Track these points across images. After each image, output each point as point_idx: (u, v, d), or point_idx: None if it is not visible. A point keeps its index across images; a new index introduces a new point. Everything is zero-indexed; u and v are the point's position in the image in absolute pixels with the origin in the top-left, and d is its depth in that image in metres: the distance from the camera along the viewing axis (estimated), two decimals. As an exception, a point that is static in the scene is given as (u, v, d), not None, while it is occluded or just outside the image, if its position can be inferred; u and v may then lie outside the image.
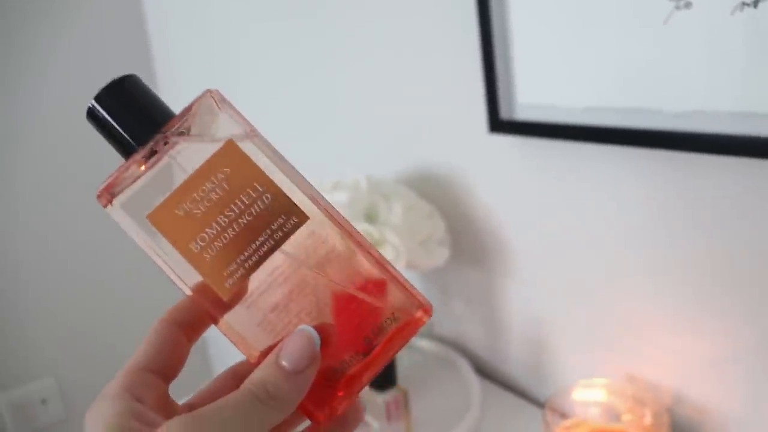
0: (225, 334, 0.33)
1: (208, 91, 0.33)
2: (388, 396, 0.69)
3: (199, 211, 0.31)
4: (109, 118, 0.32)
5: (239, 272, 0.32)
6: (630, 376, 0.71)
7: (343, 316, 0.33)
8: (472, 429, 0.77)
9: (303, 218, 0.32)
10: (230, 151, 0.32)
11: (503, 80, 0.70)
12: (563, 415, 0.67)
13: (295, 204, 0.32)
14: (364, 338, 0.33)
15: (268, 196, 0.32)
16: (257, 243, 0.32)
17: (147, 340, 0.33)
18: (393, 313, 0.33)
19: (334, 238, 0.33)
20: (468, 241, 0.85)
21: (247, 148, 0.32)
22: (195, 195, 0.31)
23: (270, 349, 0.31)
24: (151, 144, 0.32)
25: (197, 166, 0.32)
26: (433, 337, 0.99)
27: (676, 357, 0.67)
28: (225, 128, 0.33)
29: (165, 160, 0.32)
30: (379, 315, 0.33)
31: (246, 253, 0.32)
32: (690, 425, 0.66)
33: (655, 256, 0.65)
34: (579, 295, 0.74)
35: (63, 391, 1.75)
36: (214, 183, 0.32)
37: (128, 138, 0.32)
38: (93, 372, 1.77)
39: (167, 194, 0.32)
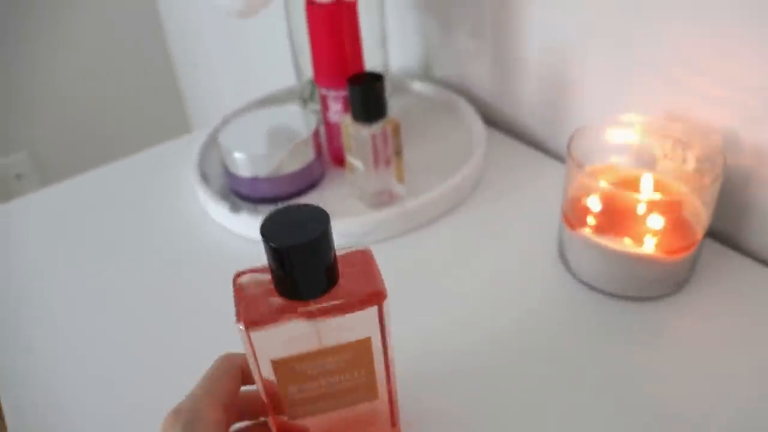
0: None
1: (382, 295, 0.34)
2: (375, 129, 0.56)
3: (311, 372, 0.35)
4: (297, 264, 0.32)
5: (309, 413, 0.38)
6: (672, 113, 0.58)
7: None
8: (474, 177, 0.65)
9: (374, 398, 0.38)
10: (364, 346, 0.35)
11: None
12: (584, 159, 0.55)
13: (377, 388, 0.38)
14: None
15: (365, 379, 0.37)
16: (333, 401, 0.37)
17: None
18: None
19: (382, 413, 0.40)
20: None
21: (375, 344, 0.36)
22: (317, 361, 0.35)
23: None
24: (311, 305, 0.33)
25: (331, 339, 0.34)
26: (430, 79, 0.84)
27: (731, 92, 0.53)
28: (367, 321, 0.34)
29: (313, 325, 0.34)
30: None
31: (321, 404, 0.37)
32: (742, 174, 0.55)
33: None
34: (615, 15, 0.59)
35: (38, 166, 1.71)
36: (337, 360, 0.35)
37: (299, 290, 0.33)
38: (68, 147, 1.72)
39: (296, 348, 0.34)
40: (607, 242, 0.51)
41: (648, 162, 0.56)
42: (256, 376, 0.35)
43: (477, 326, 0.51)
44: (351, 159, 0.60)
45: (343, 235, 0.59)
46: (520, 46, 0.70)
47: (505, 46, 0.71)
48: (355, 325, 0.34)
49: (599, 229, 0.52)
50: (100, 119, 1.76)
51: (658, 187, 0.54)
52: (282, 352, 0.34)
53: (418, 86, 0.81)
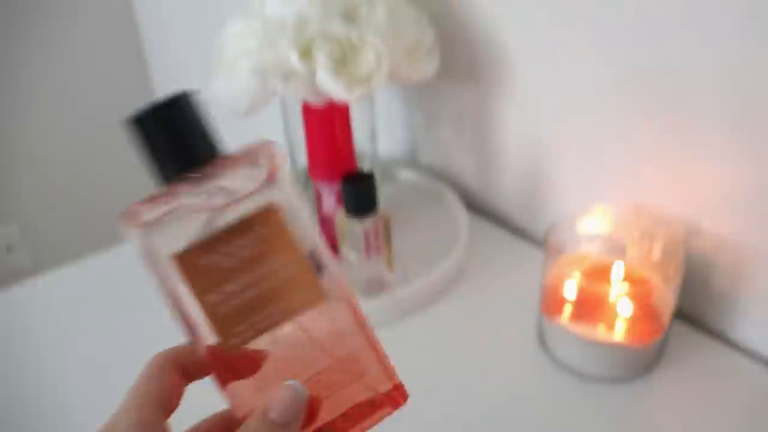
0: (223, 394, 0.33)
1: (269, 142, 0.32)
2: (367, 224, 0.61)
3: (225, 265, 0.31)
4: (158, 137, 0.30)
5: (247, 333, 0.32)
6: (639, 206, 0.63)
7: (331, 393, 0.34)
8: (459, 266, 0.70)
9: (321, 297, 0.32)
10: (272, 215, 0.31)
11: None
12: (559, 250, 0.59)
13: (317, 282, 0.32)
14: (341, 415, 0.35)
15: (295, 268, 0.32)
16: (271, 310, 0.32)
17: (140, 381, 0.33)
18: (374, 398, 0.35)
19: (344, 322, 0.34)
20: (459, 54, 0.74)
21: (288, 211, 0.31)
22: (225, 248, 0.30)
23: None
24: (193, 178, 0.30)
25: (234, 215, 0.30)
26: (416, 167, 0.90)
27: (691, 186, 0.58)
28: (271, 186, 0.31)
29: (202, 200, 0.30)
30: (362, 397, 0.35)
31: (258, 317, 0.32)
32: (704, 261, 0.59)
33: (669, 69, 0.55)
34: (584, 117, 0.65)
35: (29, 239, 1.72)
36: (247, 241, 0.31)
37: (171, 166, 0.30)
38: (59, 219, 1.75)
39: (195, 237, 0.30)
40: (582, 329, 0.55)
41: (618, 250, 0.61)
42: (168, 303, 0.31)
43: (463, 410, 0.55)
44: (344, 250, 0.64)
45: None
46: (498, 138, 0.75)
47: (485, 138, 0.77)
48: (252, 190, 0.31)
49: (574, 317, 0.56)
50: (91, 190, 1.79)
51: (628, 274, 0.58)
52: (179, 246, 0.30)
53: (405, 174, 0.86)
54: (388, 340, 0.62)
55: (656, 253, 0.59)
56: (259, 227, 0.31)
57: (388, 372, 0.36)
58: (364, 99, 0.62)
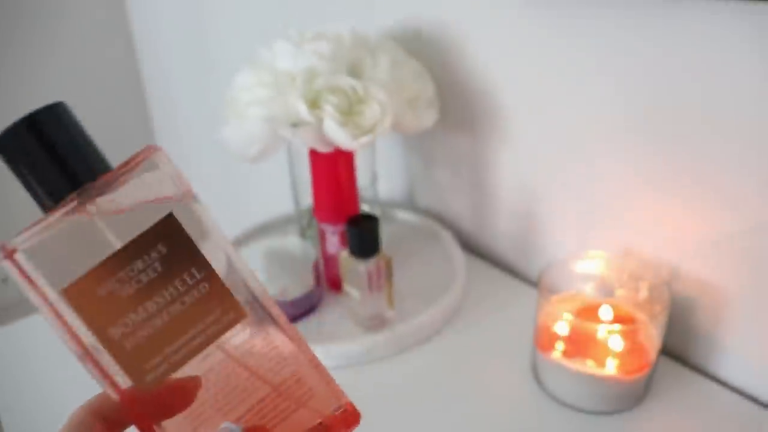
0: None
1: (152, 147, 0.28)
2: (370, 264, 0.64)
3: (125, 293, 0.27)
4: (27, 161, 0.27)
5: (163, 367, 0.28)
6: (626, 250, 0.67)
7: (278, 422, 0.31)
8: (456, 303, 0.73)
9: (241, 314, 0.29)
10: (170, 227, 0.27)
11: None
12: (551, 290, 0.63)
13: (234, 297, 0.29)
14: None
15: (206, 285, 0.28)
16: (187, 337, 0.28)
17: None
18: (324, 422, 0.32)
19: (274, 338, 0.31)
20: (457, 105, 0.79)
21: (189, 217, 0.28)
22: (122, 273, 0.27)
23: None
24: (76, 199, 0.27)
25: (128, 235, 0.27)
26: (414, 209, 0.94)
27: (675, 232, 0.62)
28: (165, 194, 0.28)
29: (87, 220, 0.27)
30: (311, 423, 0.32)
31: (173, 347, 0.28)
32: (687, 302, 0.63)
33: (657, 125, 0.60)
34: (575, 164, 0.69)
35: None
36: (146, 262, 0.27)
37: (48, 188, 0.27)
38: None
39: (88, 264, 0.27)
40: (574, 364, 0.59)
41: (608, 291, 0.65)
42: (67, 345, 0.28)
43: (462, 440, 0.58)
44: (347, 288, 0.68)
45: (339, 356, 0.66)
46: (493, 183, 0.79)
47: (480, 183, 0.81)
48: (144, 204, 0.28)
49: (566, 353, 0.60)
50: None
51: (617, 313, 0.62)
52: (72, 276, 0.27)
53: (403, 215, 0.90)
54: (388, 374, 0.65)
55: (643, 293, 0.63)
56: (158, 243, 0.27)
57: (335, 392, 0.32)
58: (367, 147, 0.66)
